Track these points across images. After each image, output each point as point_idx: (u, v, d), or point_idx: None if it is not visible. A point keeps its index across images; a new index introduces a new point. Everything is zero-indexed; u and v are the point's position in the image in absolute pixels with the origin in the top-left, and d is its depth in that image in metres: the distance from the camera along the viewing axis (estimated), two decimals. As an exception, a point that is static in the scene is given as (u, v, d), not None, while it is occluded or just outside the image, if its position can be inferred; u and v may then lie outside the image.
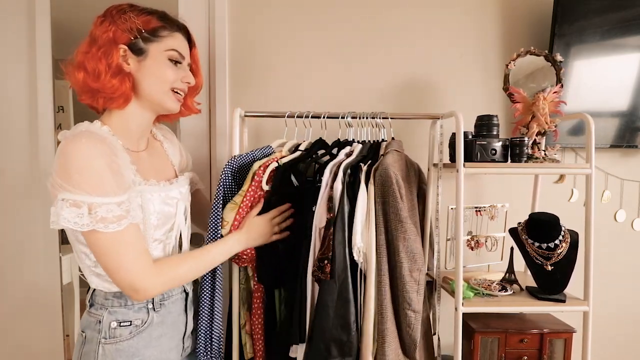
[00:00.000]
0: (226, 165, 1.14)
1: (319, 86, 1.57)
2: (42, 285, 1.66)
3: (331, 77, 1.57)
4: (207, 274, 1.08)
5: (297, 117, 1.25)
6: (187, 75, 0.95)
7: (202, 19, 1.55)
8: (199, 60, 1.02)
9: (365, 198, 1.10)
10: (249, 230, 1.07)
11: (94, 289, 0.93)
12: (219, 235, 1.08)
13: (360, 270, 1.11)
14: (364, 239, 1.08)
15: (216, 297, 1.08)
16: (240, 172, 1.16)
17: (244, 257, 1.11)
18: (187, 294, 1.05)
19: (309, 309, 1.10)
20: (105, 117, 0.92)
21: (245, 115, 1.28)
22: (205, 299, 1.08)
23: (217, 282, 1.09)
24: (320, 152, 1.25)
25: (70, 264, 2.55)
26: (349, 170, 1.12)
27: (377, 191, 1.11)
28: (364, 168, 1.14)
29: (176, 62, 0.92)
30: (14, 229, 1.63)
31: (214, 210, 1.09)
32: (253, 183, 1.11)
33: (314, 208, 1.12)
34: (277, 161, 1.13)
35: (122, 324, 0.90)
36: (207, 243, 1.06)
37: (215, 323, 1.08)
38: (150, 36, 0.89)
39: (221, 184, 1.12)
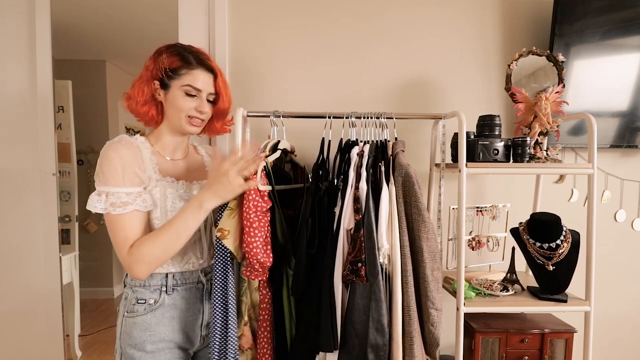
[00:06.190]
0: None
1: (319, 86, 1.57)
2: (42, 285, 1.65)
3: (331, 77, 1.57)
4: (219, 288, 1.07)
5: (301, 117, 1.25)
6: (201, 105, 1.10)
7: (202, 19, 1.55)
8: (224, 87, 1.13)
9: (387, 199, 1.10)
10: (210, 185, 1.05)
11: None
12: (224, 248, 1.06)
13: (384, 271, 1.10)
14: (388, 241, 1.08)
15: (230, 314, 1.06)
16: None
17: (259, 269, 1.07)
18: (203, 284, 1.13)
19: (339, 314, 1.08)
20: (151, 131, 1.16)
21: (248, 115, 1.27)
22: (217, 315, 1.06)
23: (230, 296, 1.06)
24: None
25: (70, 264, 2.54)
26: (371, 170, 1.12)
27: (398, 191, 1.11)
28: (383, 168, 1.13)
29: (192, 95, 1.08)
30: (14, 229, 1.62)
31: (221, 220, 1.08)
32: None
33: (335, 209, 1.11)
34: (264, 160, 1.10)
35: (139, 301, 1.05)
36: (216, 255, 1.07)
37: (230, 338, 1.06)
38: (173, 74, 1.07)
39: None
